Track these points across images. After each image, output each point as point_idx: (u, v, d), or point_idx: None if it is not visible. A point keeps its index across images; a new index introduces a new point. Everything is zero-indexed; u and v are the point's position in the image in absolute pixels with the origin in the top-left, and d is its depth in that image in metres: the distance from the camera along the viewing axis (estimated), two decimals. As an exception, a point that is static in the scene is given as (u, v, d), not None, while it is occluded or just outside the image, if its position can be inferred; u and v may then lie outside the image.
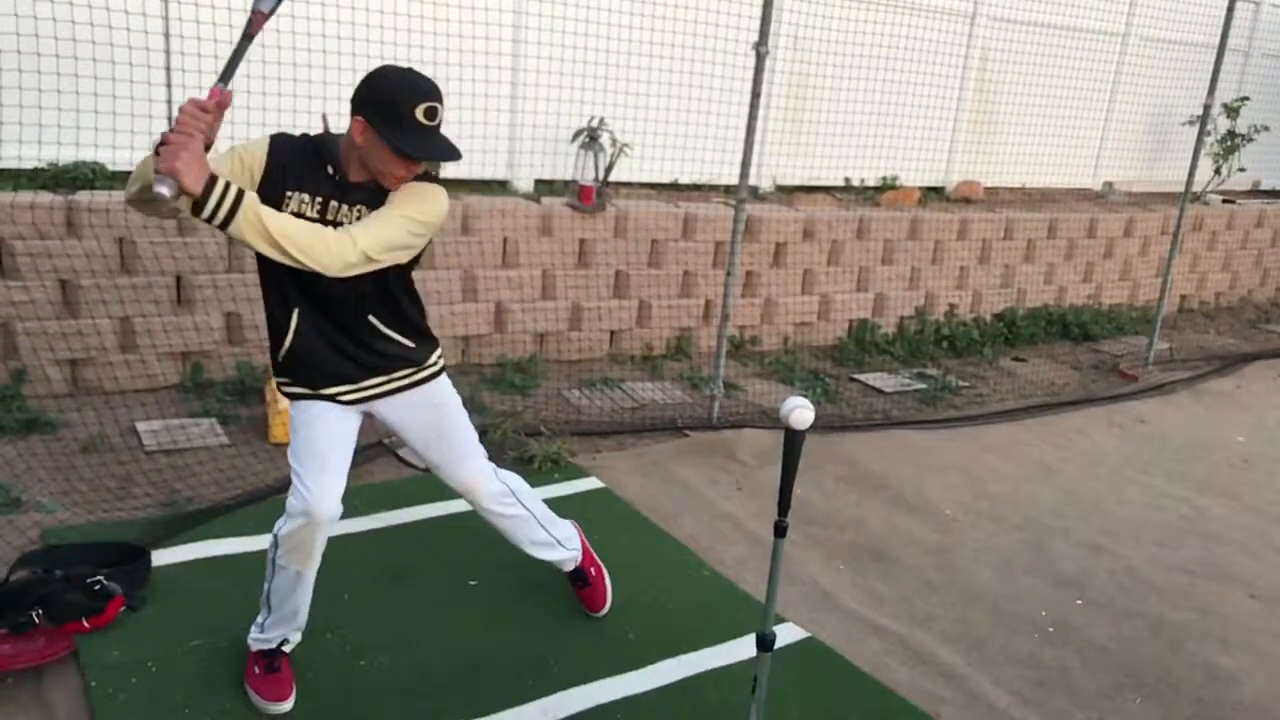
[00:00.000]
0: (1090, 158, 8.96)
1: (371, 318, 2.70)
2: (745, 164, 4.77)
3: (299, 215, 2.53)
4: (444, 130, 2.56)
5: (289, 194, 2.54)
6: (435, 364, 2.87)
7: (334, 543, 3.49)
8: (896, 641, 3.43)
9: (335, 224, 2.56)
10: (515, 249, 5.61)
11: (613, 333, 5.96)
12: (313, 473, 2.66)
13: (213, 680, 2.87)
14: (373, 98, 2.47)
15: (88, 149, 4.59)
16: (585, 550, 3.32)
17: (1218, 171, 8.86)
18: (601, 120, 5.88)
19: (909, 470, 4.83)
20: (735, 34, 6.01)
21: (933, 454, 5.07)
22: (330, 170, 2.57)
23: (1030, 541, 4.26)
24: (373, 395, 2.79)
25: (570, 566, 3.27)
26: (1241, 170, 8.97)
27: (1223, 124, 8.58)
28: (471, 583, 3.49)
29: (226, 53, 2.49)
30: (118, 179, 4.76)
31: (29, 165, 4.72)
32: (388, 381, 2.79)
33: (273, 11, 2.52)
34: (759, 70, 4.60)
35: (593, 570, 3.32)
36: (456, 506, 3.67)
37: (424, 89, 2.49)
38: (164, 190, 2.25)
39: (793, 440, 2.48)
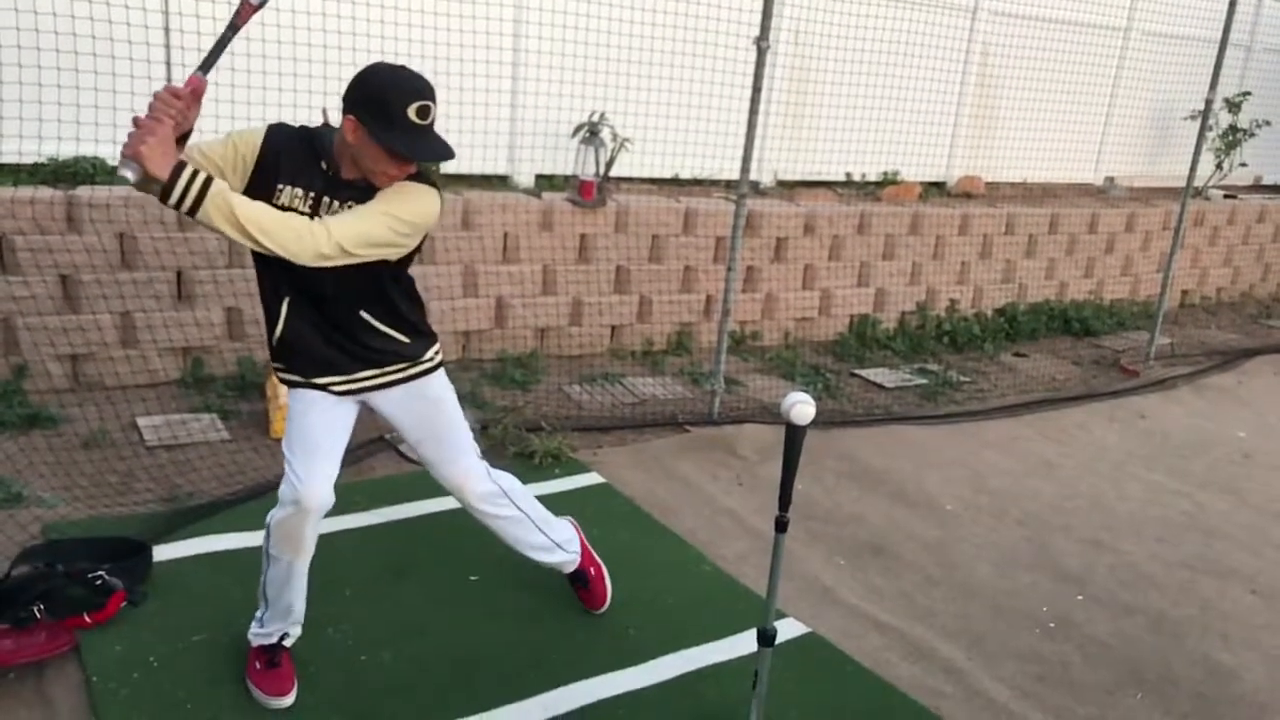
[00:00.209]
0: (1092, 153, 8.95)
1: (364, 314, 2.69)
2: (746, 159, 4.76)
3: (290, 209, 2.52)
4: (445, 124, 2.55)
5: (280, 187, 2.53)
6: (431, 360, 2.85)
7: (335, 538, 3.51)
8: (897, 636, 3.43)
9: None
10: (516, 244, 5.61)
11: (613, 328, 5.96)
12: (304, 461, 2.67)
13: (214, 675, 2.87)
14: (364, 96, 2.44)
15: (88, 144, 4.58)
16: (585, 551, 3.30)
17: (1219, 166, 8.86)
18: (602, 115, 5.87)
19: (910, 466, 4.82)
20: (736, 28, 6.00)
21: (933, 449, 5.07)
22: (324, 165, 2.56)
23: (1031, 537, 4.26)
24: (365, 387, 2.78)
25: (570, 569, 3.27)
26: (1243, 165, 8.96)
27: (1224, 119, 8.58)
28: (472, 578, 3.49)
29: (225, 50, 2.49)
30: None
31: (29, 160, 4.72)
32: (381, 375, 2.78)
33: (262, 5, 2.52)
34: (760, 65, 4.59)
35: (592, 570, 3.31)
36: (457, 502, 3.67)
37: (416, 87, 2.46)
38: (128, 174, 2.27)
39: (794, 436, 2.49)
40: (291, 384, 2.77)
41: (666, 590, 3.55)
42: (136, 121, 2.29)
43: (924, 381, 6.09)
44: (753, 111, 4.65)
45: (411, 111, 2.43)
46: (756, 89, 4.61)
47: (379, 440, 4.34)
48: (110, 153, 4.76)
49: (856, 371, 6.18)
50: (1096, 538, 4.31)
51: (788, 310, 6.51)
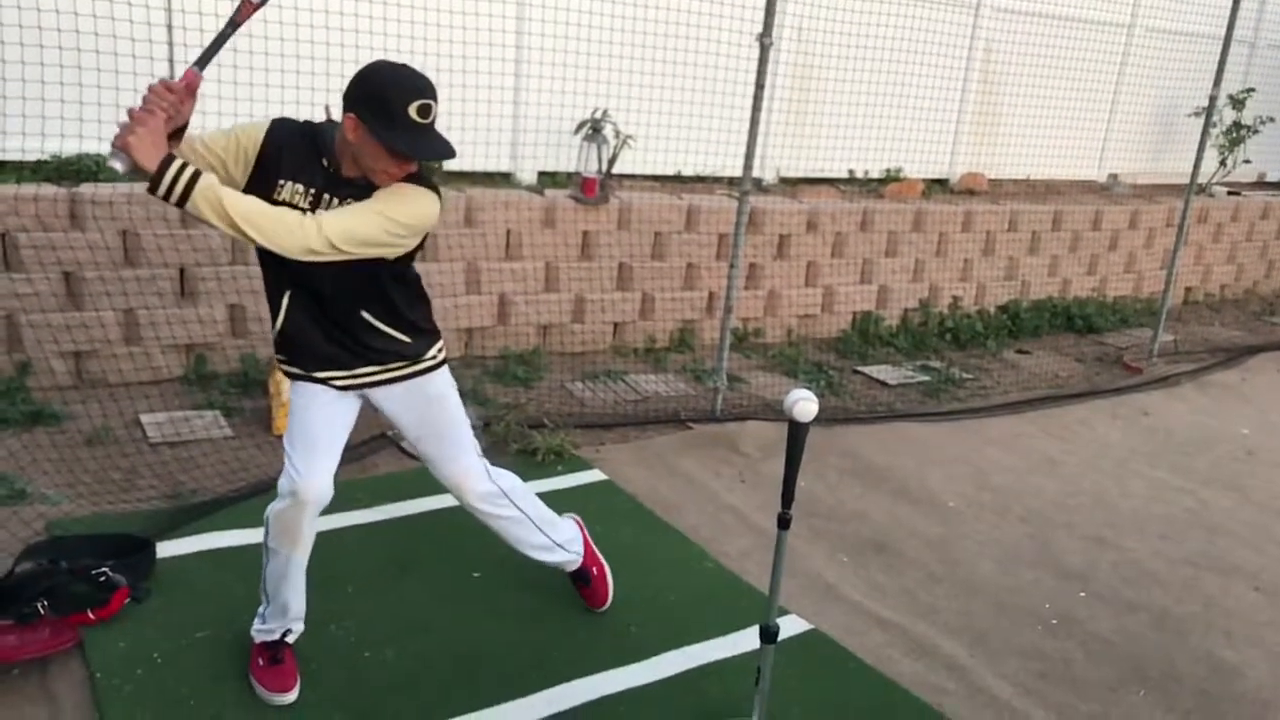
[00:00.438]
0: (1095, 149, 8.94)
1: (364, 313, 2.69)
2: (749, 156, 4.76)
3: (290, 205, 2.52)
4: (448, 121, 2.56)
5: (282, 183, 2.53)
6: (433, 358, 2.85)
7: (337, 535, 3.52)
8: (899, 633, 3.43)
9: None
10: (518, 241, 5.61)
11: (616, 325, 5.96)
12: (303, 454, 2.68)
13: (218, 671, 2.88)
14: (365, 94, 2.44)
15: (91, 141, 4.58)
16: (588, 549, 3.30)
17: (1223, 163, 8.84)
18: (605, 112, 5.87)
19: (912, 463, 4.82)
20: (739, 25, 5.99)
21: (936, 446, 5.07)
22: (325, 162, 2.55)
23: (1033, 534, 4.26)
24: (366, 383, 2.78)
25: (572, 568, 3.27)
26: (1247, 162, 8.95)
27: (1228, 115, 8.56)
28: (475, 575, 3.49)
29: (227, 46, 2.49)
30: (128, 176, 4.75)
31: (32, 157, 4.73)
32: (382, 371, 2.78)
33: (263, 3, 2.52)
34: (763, 62, 4.59)
35: (594, 570, 3.31)
36: (460, 499, 3.68)
37: (417, 86, 2.45)
38: (116, 165, 2.29)
39: (796, 433, 2.48)
40: (293, 377, 2.78)
41: (669, 587, 3.55)
42: (130, 113, 2.30)
43: (927, 378, 6.09)
44: (755, 108, 4.64)
45: (413, 110, 2.43)
46: (759, 86, 4.61)
47: (381, 437, 4.34)
48: (122, 165, 4.76)
49: (859, 369, 6.18)
50: (1099, 535, 4.30)
51: (790, 307, 6.51)
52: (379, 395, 2.82)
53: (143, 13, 4.58)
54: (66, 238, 4.51)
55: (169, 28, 4.83)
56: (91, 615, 2.98)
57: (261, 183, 2.52)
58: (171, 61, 4.83)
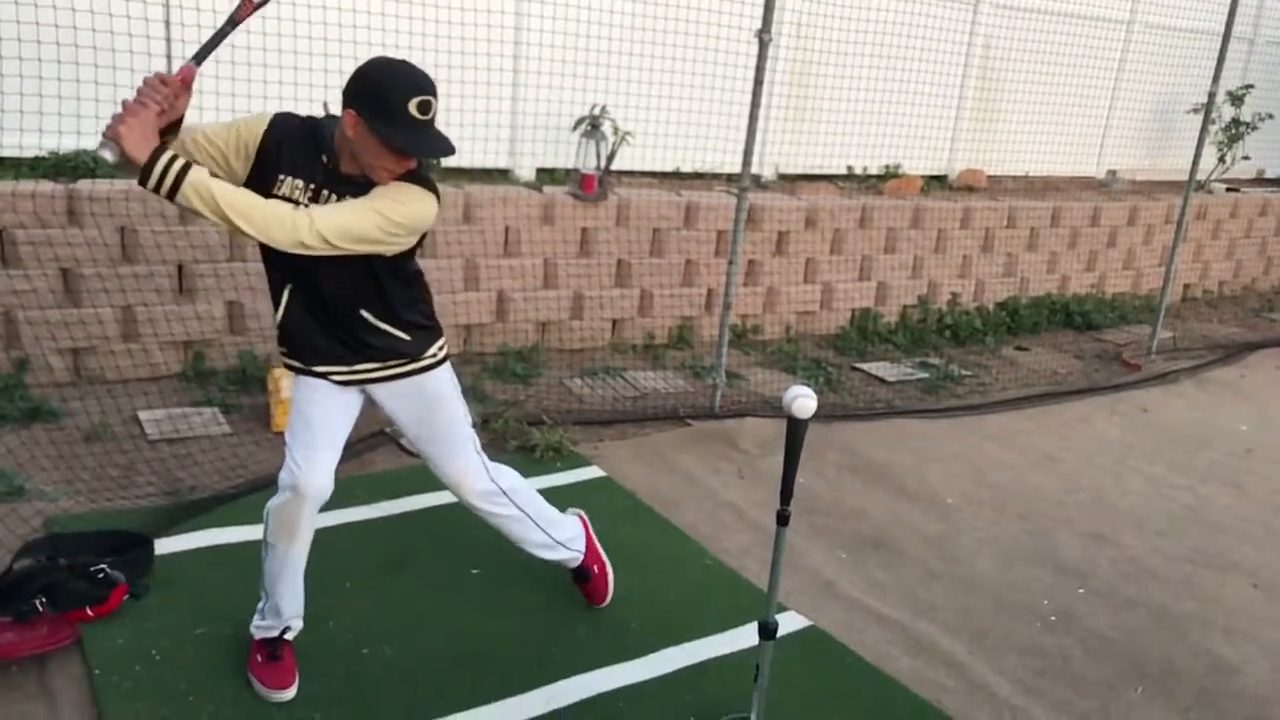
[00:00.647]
0: (1094, 146, 8.94)
1: (363, 312, 2.68)
2: (748, 152, 4.75)
3: (289, 200, 2.52)
4: (446, 118, 2.55)
5: (282, 178, 2.53)
6: (434, 356, 2.84)
7: (336, 531, 3.51)
8: (898, 630, 3.43)
9: None
10: (517, 238, 5.60)
11: (614, 322, 5.96)
12: (303, 448, 2.69)
13: (216, 668, 2.87)
14: (364, 90, 2.43)
15: (89, 138, 4.56)
16: (590, 548, 3.29)
17: (1222, 160, 8.84)
18: (603, 108, 5.86)
19: (911, 459, 4.82)
20: (738, 21, 5.98)
21: (935, 443, 5.07)
22: (324, 158, 2.55)
23: (1032, 531, 4.26)
24: (366, 379, 2.78)
25: (573, 565, 3.26)
26: (1246, 158, 8.94)
27: (1227, 112, 8.55)
28: (474, 571, 3.49)
29: (227, 41, 2.48)
30: (119, 168, 4.74)
31: (30, 154, 4.71)
32: (382, 368, 2.78)
33: (264, 2, 2.52)
34: (761, 58, 4.58)
35: (595, 568, 3.30)
36: (458, 495, 3.67)
37: (417, 82, 2.45)
38: (106, 154, 2.32)
39: (795, 429, 2.48)
40: (295, 370, 2.78)
41: (668, 584, 3.55)
42: (124, 105, 2.31)
43: (925, 375, 6.09)
44: (754, 105, 4.64)
45: (412, 107, 2.42)
46: (758, 82, 4.60)
47: (379, 434, 4.34)
48: (112, 154, 4.75)
49: (858, 365, 6.18)
50: (1098, 531, 4.30)
51: (789, 304, 6.50)
52: (379, 391, 2.82)
53: (140, 9, 4.57)
54: (64, 234, 4.51)
55: (167, 24, 4.83)
56: (90, 612, 2.98)
57: (261, 177, 2.52)
58: (169, 58, 4.82)
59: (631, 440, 4.71)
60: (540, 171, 6.11)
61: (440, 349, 2.86)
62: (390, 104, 2.41)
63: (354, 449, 4.09)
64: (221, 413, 4.48)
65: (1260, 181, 10.08)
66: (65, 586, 2.98)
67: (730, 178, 6.57)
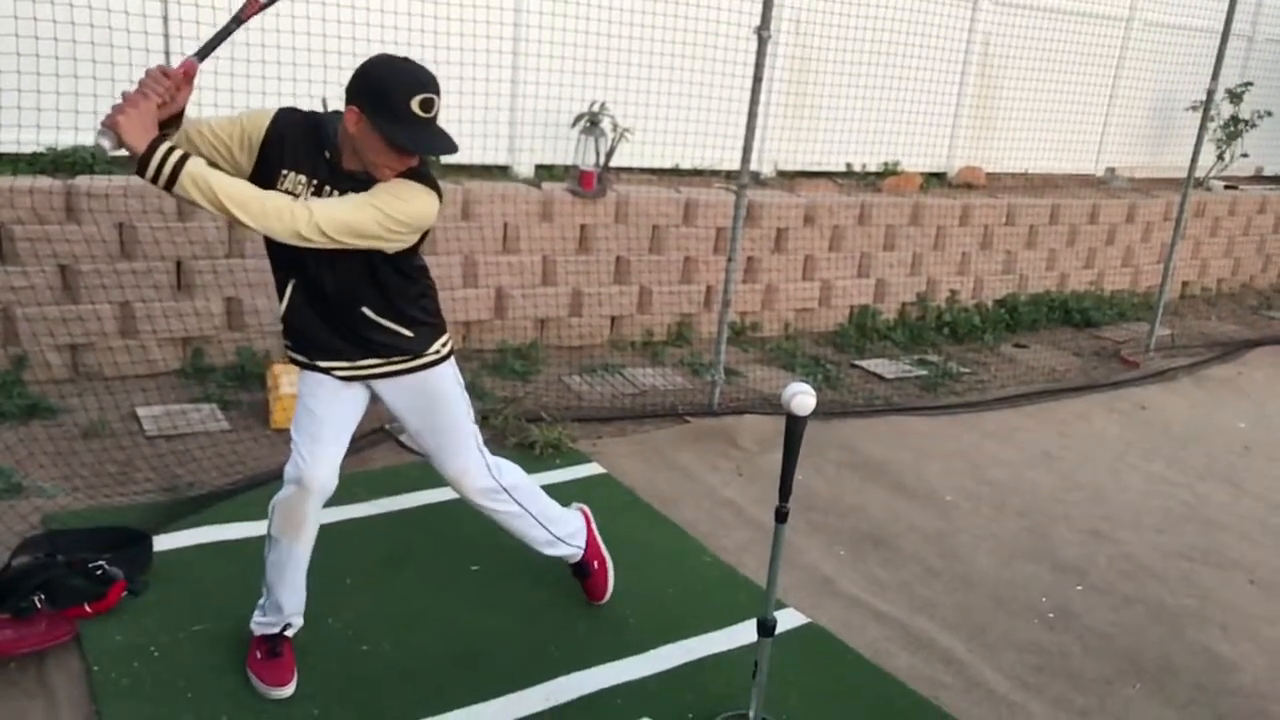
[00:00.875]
0: (1093, 143, 8.93)
1: (365, 309, 2.69)
2: (747, 149, 4.75)
3: (292, 195, 2.52)
4: (445, 114, 2.54)
5: (284, 172, 2.54)
6: (437, 353, 2.84)
7: (335, 528, 3.51)
8: (897, 627, 3.43)
9: None
10: (516, 234, 5.60)
11: (613, 319, 5.96)
12: (308, 442, 2.70)
13: (215, 665, 2.87)
14: (367, 87, 2.43)
15: (87, 133, 4.54)
16: (592, 543, 3.29)
17: (1221, 157, 8.84)
18: (603, 105, 5.85)
19: (910, 456, 4.83)
20: (737, 18, 5.98)
21: (934, 440, 5.07)
22: (327, 154, 2.55)
23: (1031, 527, 4.26)
24: (369, 374, 2.79)
25: (574, 560, 3.27)
26: (1244, 156, 8.95)
27: (1226, 109, 8.56)
28: (473, 568, 3.49)
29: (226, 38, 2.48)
30: (117, 163, 4.74)
31: (28, 150, 4.71)
32: (385, 364, 2.78)
33: (270, 3, 2.52)
34: (761, 55, 4.57)
35: (596, 564, 3.30)
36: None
37: (420, 80, 2.45)
38: (104, 143, 2.33)
39: (794, 426, 2.49)
40: (299, 364, 2.79)
41: (667, 580, 3.55)
42: (124, 95, 2.32)
43: (924, 372, 6.09)
44: (753, 102, 4.63)
45: (415, 104, 2.43)
46: (757, 79, 4.60)
47: (379, 431, 4.34)
48: (109, 143, 4.75)
49: (856, 362, 6.18)
50: (1096, 528, 4.31)
51: (788, 301, 6.50)
52: (382, 387, 2.82)
53: (138, 4, 4.56)
54: (62, 230, 4.50)
55: (165, 19, 4.82)
56: (88, 609, 2.98)
57: (264, 172, 2.53)
58: (167, 54, 4.82)
59: (630, 437, 4.71)
60: (539, 168, 6.11)
61: (444, 345, 2.86)
62: (393, 101, 2.41)
63: (353, 446, 4.06)
64: (220, 409, 4.48)
65: (1259, 179, 10.08)
66: (64, 583, 2.98)
67: (729, 174, 6.56)
